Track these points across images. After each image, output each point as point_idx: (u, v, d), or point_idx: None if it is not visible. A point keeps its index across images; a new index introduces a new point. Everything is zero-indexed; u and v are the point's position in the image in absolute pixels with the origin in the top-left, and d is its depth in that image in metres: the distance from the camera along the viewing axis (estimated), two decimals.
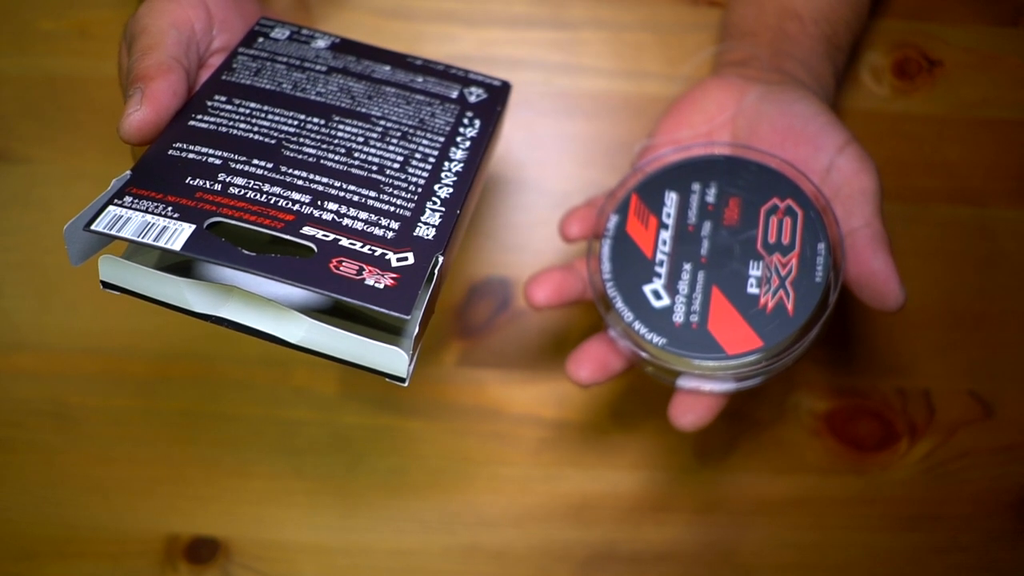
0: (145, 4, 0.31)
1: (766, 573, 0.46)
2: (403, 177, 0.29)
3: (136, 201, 0.26)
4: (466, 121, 0.32)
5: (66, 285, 0.46)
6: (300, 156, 0.29)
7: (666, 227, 0.36)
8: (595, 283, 0.36)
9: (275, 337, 0.26)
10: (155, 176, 0.27)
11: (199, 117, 0.29)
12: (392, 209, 0.28)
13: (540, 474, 0.46)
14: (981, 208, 0.47)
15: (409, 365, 0.25)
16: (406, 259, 0.26)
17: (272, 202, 0.27)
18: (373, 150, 0.30)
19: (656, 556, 0.45)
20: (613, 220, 0.36)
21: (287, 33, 0.34)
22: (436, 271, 0.26)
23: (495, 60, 0.47)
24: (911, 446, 0.46)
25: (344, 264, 0.25)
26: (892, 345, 0.47)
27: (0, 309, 0.46)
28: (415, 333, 0.26)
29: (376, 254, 0.26)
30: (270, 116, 0.30)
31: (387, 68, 0.34)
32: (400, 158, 0.30)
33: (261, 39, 0.33)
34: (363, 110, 0.31)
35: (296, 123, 0.30)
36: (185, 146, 0.28)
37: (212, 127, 0.29)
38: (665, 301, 0.34)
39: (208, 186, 0.27)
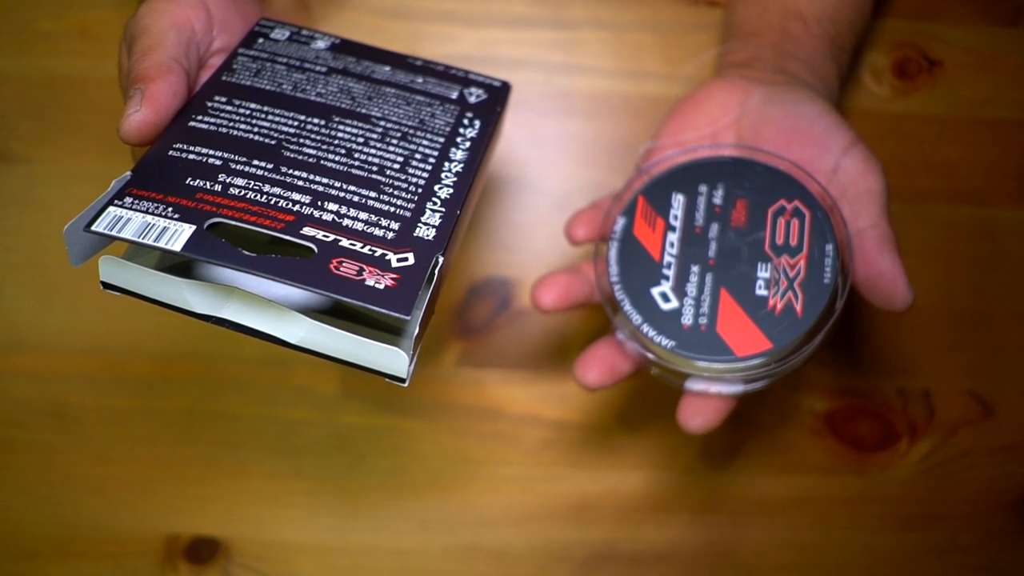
0: (145, 5, 0.31)
1: (766, 573, 0.46)
2: (403, 178, 0.29)
3: (136, 202, 0.26)
4: (466, 121, 0.32)
5: (66, 285, 0.46)
6: (300, 157, 0.29)
7: (673, 229, 0.35)
8: (603, 286, 0.36)
9: (275, 337, 0.26)
10: (155, 177, 0.27)
11: (199, 118, 0.29)
12: (392, 210, 0.28)
13: (540, 474, 0.46)
14: (982, 208, 0.47)
15: (409, 365, 0.25)
16: (406, 259, 0.26)
17: (272, 203, 0.27)
18: (373, 151, 0.30)
19: (656, 556, 0.45)
20: (620, 222, 0.36)
21: (287, 34, 0.34)
22: (436, 271, 0.26)
23: (495, 60, 0.47)
24: (911, 446, 0.46)
25: (344, 265, 0.25)
26: (892, 345, 0.47)
27: (0, 309, 0.46)
28: (415, 333, 0.26)
29: (376, 254, 0.26)
30: (270, 117, 0.30)
31: (387, 69, 0.33)
32: (400, 159, 0.30)
33: (261, 40, 0.33)
34: (363, 111, 0.31)
35: (296, 124, 0.30)
36: (185, 147, 0.28)
37: (212, 128, 0.29)
38: (673, 303, 0.34)
39: (208, 187, 0.27)
